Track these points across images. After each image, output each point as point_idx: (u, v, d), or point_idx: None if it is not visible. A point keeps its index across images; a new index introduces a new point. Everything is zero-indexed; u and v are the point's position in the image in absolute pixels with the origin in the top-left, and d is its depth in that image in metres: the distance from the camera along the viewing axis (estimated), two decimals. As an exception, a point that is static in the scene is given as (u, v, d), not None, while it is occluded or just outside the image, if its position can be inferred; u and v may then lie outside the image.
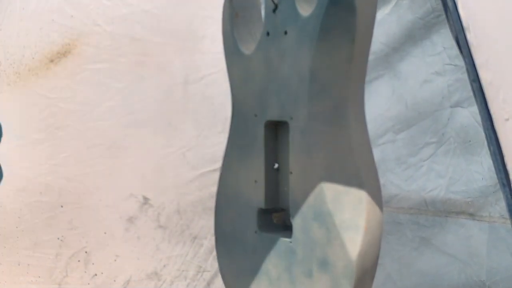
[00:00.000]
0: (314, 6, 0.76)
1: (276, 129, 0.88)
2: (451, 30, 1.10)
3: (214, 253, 1.04)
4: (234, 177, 0.92)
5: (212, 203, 0.99)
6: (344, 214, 0.75)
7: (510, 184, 1.06)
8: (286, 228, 0.87)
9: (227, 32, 0.93)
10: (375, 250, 0.75)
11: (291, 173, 0.82)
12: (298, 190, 0.81)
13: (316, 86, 0.77)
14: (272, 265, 0.85)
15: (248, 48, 0.89)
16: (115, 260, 1.37)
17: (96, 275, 1.36)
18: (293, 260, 0.82)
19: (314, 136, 0.78)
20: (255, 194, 0.88)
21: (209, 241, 1.39)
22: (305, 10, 0.77)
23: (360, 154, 0.76)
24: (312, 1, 0.77)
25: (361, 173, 0.75)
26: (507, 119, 1.02)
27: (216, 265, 1.08)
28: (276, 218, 0.89)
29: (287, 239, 0.83)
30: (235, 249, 0.92)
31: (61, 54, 1.30)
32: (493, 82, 1.03)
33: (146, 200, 1.37)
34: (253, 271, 0.88)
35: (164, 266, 1.40)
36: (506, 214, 1.15)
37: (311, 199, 0.78)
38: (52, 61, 1.30)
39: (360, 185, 0.74)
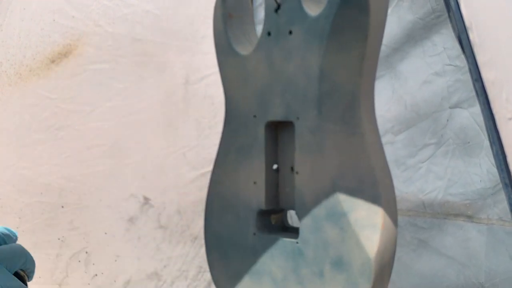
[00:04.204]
0: (323, 6, 0.74)
1: (277, 130, 0.86)
2: (454, 30, 1.09)
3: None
4: (230, 179, 0.89)
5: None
6: (359, 213, 0.73)
7: (512, 184, 1.05)
8: (286, 229, 0.87)
9: (220, 33, 0.88)
10: (392, 248, 0.74)
11: (297, 173, 0.81)
12: (307, 190, 0.79)
13: (327, 85, 0.76)
14: (276, 266, 0.84)
15: (244, 48, 0.86)
16: (115, 260, 1.37)
17: (96, 275, 1.36)
18: (301, 261, 0.80)
19: (325, 135, 0.77)
20: (255, 196, 0.86)
21: (209, 241, 1.39)
22: (312, 10, 0.76)
23: (372, 152, 0.74)
24: (321, 0, 0.75)
25: (375, 171, 0.73)
26: (510, 119, 1.01)
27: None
28: (274, 219, 0.88)
29: (293, 240, 0.81)
30: (232, 253, 0.89)
31: (62, 55, 1.30)
32: (496, 82, 1.02)
33: (146, 200, 1.37)
34: (254, 273, 0.86)
35: (165, 266, 1.39)
36: (504, 216, 1.14)
37: (322, 199, 0.77)
38: (53, 61, 1.30)
39: (374, 183, 0.73)
